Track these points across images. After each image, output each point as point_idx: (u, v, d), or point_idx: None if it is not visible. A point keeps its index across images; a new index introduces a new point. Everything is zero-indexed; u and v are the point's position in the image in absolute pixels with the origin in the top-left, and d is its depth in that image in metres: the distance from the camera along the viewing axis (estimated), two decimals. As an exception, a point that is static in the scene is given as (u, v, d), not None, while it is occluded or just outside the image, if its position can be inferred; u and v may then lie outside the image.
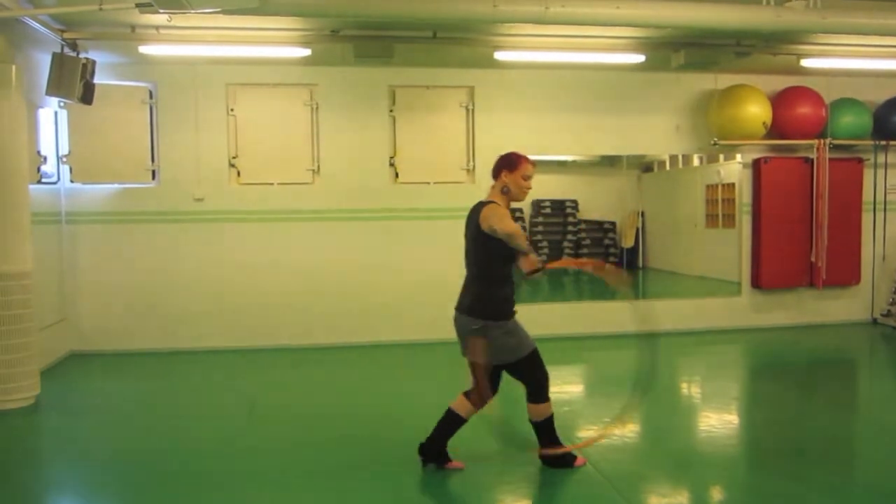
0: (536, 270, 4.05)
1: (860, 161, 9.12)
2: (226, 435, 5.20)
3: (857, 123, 8.85)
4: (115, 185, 7.92)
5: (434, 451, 4.34)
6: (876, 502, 4.03)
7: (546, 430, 4.33)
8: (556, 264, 4.03)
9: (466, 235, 4.22)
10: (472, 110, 8.46)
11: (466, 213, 4.28)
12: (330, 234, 8.20)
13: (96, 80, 6.93)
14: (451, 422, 4.31)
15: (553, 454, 4.35)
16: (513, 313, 4.16)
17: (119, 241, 7.91)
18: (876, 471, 4.54)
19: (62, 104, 7.45)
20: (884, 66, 8.31)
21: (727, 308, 9.17)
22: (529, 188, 4.20)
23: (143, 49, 7.06)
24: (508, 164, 4.17)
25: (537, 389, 4.24)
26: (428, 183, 8.32)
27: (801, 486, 4.19)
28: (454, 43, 7.28)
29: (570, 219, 14.01)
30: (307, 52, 7.31)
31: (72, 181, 7.75)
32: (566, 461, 4.39)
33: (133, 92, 7.88)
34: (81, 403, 6.15)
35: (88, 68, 6.78)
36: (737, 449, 5.12)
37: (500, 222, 3.99)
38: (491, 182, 4.25)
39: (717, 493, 4.28)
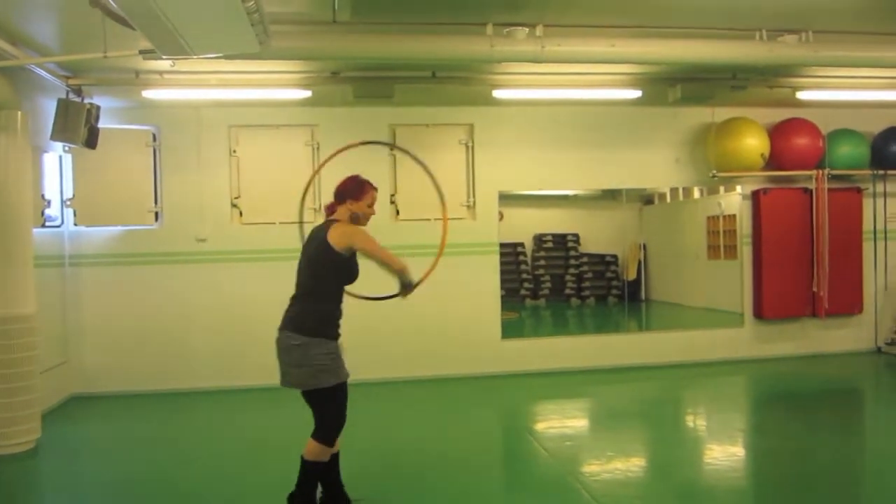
0: (408, 286, 4.09)
1: (859, 190, 9.16)
2: (229, 476, 5.17)
3: (854, 153, 8.91)
4: (119, 228, 7.99)
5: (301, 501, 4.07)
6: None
7: (309, 476, 4.04)
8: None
9: (303, 255, 4.18)
10: (472, 147, 8.55)
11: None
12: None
13: (101, 125, 7.03)
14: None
15: None
16: (337, 335, 4.08)
17: (122, 282, 7.95)
18: (882, 501, 4.49)
19: (67, 148, 7.55)
20: (880, 97, 8.39)
21: (730, 339, 9.14)
22: (373, 213, 4.28)
23: (147, 94, 7.18)
24: (354, 192, 4.16)
25: (326, 424, 4.00)
26: (429, 219, 8.36)
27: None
28: (453, 82, 7.40)
29: (572, 252, 14.06)
30: (308, 93, 7.42)
31: (76, 224, 7.82)
32: None
33: (137, 135, 7.99)
34: (83, 446, 6.14)
35: (93, 113, 6.88)
36: (742, 481, 5.08)
37: (369, 243, 4.05)
38: (347, 203, 4.19)
39: (722, 529, 4.24)
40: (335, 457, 4.17)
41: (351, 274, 4.14)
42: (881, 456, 5.49)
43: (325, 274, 4.06)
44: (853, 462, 5.41)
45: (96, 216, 7.87)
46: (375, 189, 4.26)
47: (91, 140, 6.93)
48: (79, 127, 6.72)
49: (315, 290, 4.07)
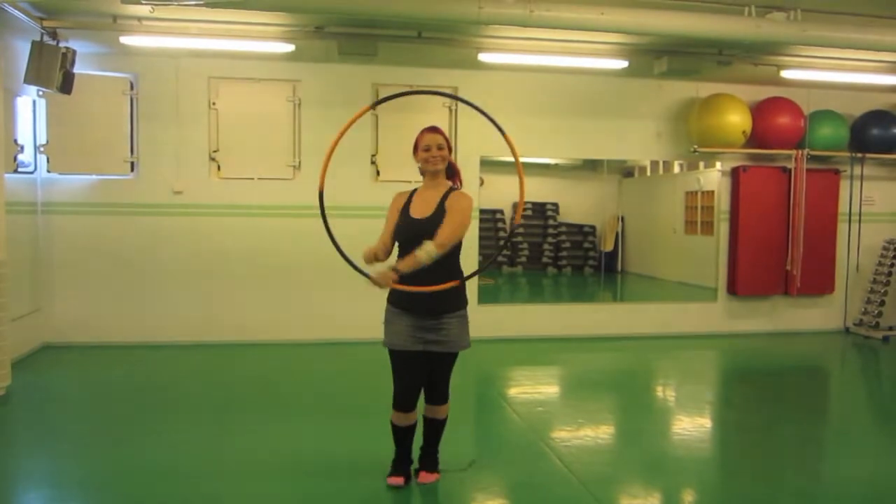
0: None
1: (837, 172, 9.24)
2: (199, 428, 5.16)
3: (834, 135, 8.97)
4: (94, 177, 7.84)
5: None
6: (842, 508, 4.10)
7: (394, 435, 4.19)
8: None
9: None
10: (455, 111, 8.48)
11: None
12: (309, 230, 8.14)
13: (76, 70, 6.87)
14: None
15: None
16: (395, 299, 4.11)
17: (96, 232, 7.83)
18: (843, 475, 4.61)
19: (41, 93, 7.36)
20: (862, 80, 8.44)
21: (703, 313, 9.25)
22: (434, 156, 4.16)
23: (125, 40, 6.99)
24: (413, 148, 4.21)
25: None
26: (409, 182, 8.23)
27: (770, 490, 4.25)
28: (439, 43, 7.29)
29: (551, 221, 14.07)
30: (291, 47, 7.28)
31: (49, 171, 7.66)
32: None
33: (113, 83, 7.80)
34: (53, 395, 6.08)
35: (68, 58, 6.72)
36: (709, 452, 5.18)
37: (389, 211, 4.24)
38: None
39: (688, 496, 4.33)
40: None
41: (397, 234, 4.14)
42: (843, 431, 5.62)
43: None
44: (816, 436, 5.52)
45: (70, 164, 7.71)
46: (430, 130, 4.20)
47: (66, 85, 6.78)
48: (53, 71, 6.57)
49: None
